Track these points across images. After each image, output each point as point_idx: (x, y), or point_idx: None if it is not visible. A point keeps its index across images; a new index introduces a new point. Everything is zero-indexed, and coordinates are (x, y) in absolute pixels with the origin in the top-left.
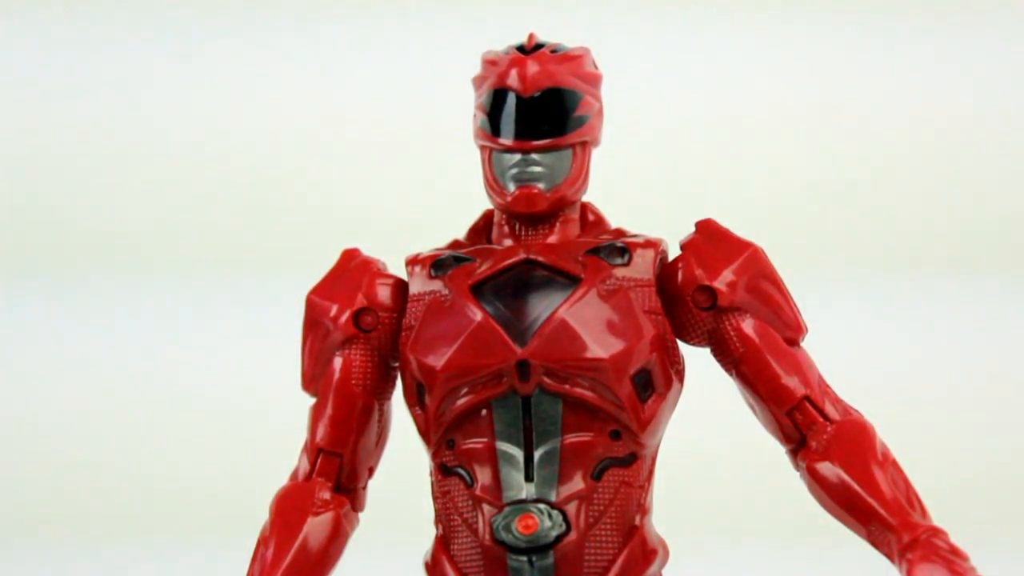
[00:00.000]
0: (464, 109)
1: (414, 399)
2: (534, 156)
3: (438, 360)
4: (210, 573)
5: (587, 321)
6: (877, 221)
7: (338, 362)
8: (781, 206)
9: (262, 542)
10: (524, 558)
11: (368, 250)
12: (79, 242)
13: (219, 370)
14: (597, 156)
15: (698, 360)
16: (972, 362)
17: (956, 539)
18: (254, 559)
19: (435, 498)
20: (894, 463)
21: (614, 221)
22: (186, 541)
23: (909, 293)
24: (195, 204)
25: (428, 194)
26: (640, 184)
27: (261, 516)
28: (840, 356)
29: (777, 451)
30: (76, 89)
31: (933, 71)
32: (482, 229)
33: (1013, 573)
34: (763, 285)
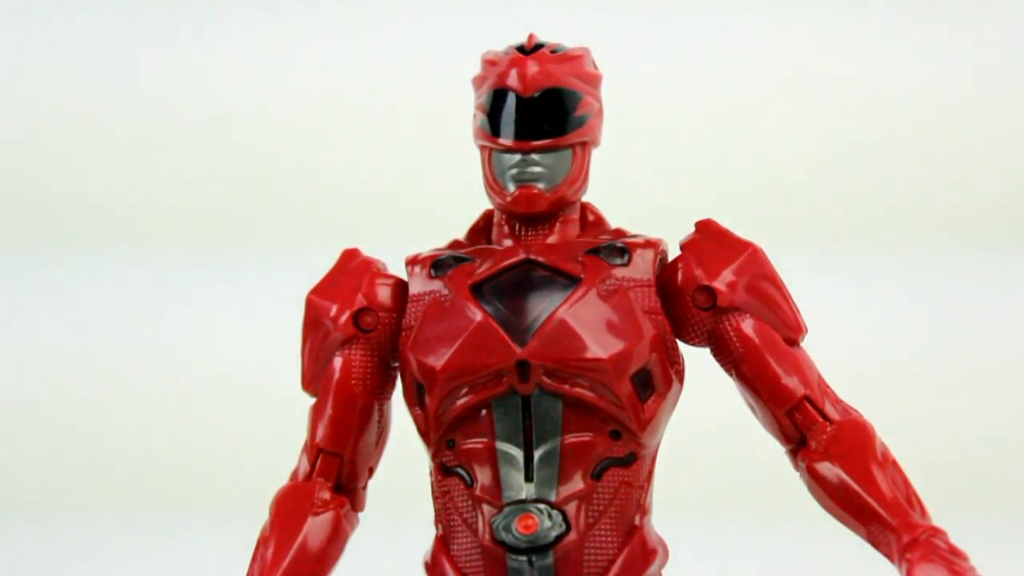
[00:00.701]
0: (465, 108)
1: (414, 399)
2: (534, 156)
3: (438, 360)
4: (210, 548)
5: (587, 321)
6: (876, 195)
7: (338, 362)
8: (778, 180)
9: (262, 542)
10: (524, 558)
11: (368, 250)
12: (77, 216)
13: (217, 345)
14: (597, 156)
15: (698, 360)
16: (973, 335)
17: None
18: (254, 559)
19: (435, 498)
20: (894, 463)
21: (614, 221)
22: (183, 516)
23: (908, 266)
24: (195, 179)
25: (428, 194)
26: (638, 168)
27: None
28: (842, 332)
29: (777, 451)
30: (78, 63)
31: (930, 45)
32: (482, 229)
33: (1017, 549)
34: (763, 285)
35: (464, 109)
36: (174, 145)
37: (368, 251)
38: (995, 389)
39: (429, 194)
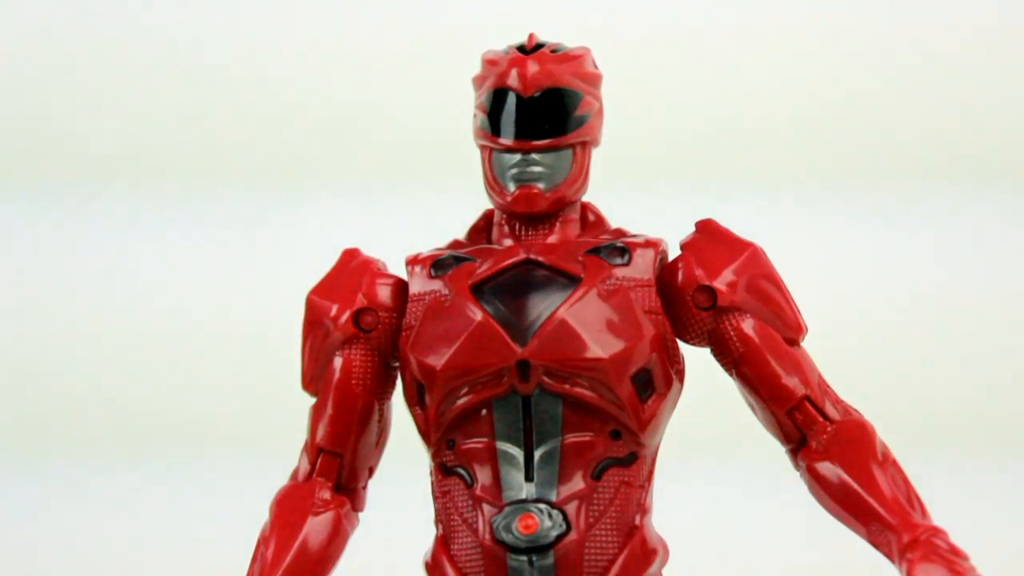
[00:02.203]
0: (465, 108)
1: (414, 399)
2: (534, 156)
3: (438, 360)
4: (212, 489)
5: (587, 321)
6: (871, 132)
7: (338, 362)
8: (774, 117)
9: (262, 542)
10: (524, 558)
11: (368, 250)
12: (76, 155)
13: (216, 287)
14: (597, 155)
15: (698, 360)
16: (964, 275)
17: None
18: (254, 559)
19: (435, 498)
20: (894, 463)
21: (614, 221)
22: (182, 458)
23: (899, 205)
24: (201, 120)
25: (428, 193)
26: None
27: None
28: (833, 269)
29: (776, 451)
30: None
31: None
32: (482, 229)
33: (1010, 492)
34: (763, 285)
35: (465, 108)
36: (177, 85)
37: (368, 251)
38: (983, 328)
39: (429, 193)
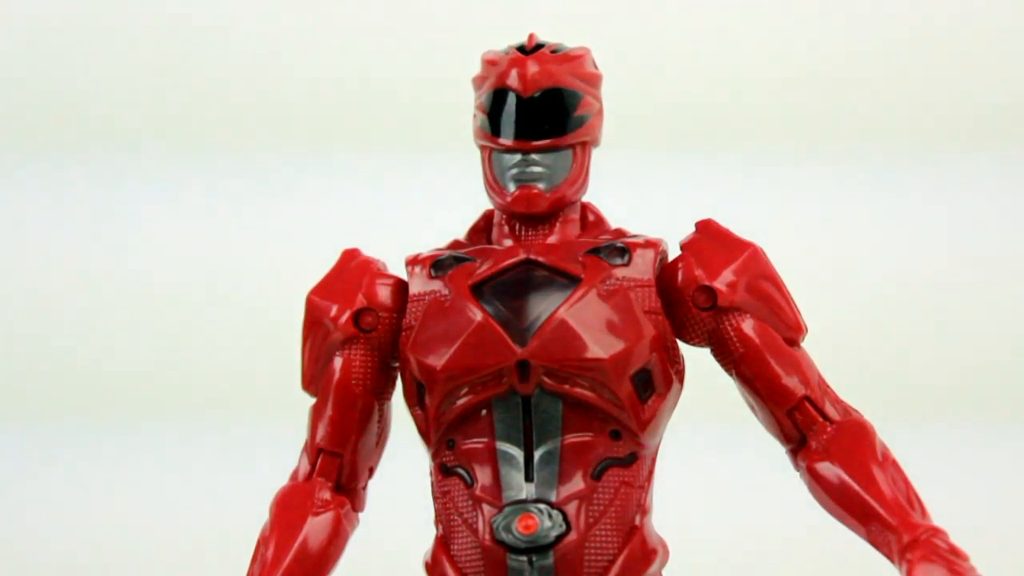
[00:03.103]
0: (465, 108)
1: (414, 399)
2: (534, 156)
3: (438, 360)
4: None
5: (587, 321)
6: (868, 99)
7: (338, 362)
8: (775, 79)
9: (262, 542)
10: (524, 558)
11: (368, 250)
12: (75, 116)
13: (216, 253)
14: (597, 155)
15: (698, 360)
16: (966, 243)
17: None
18: (254, 559)
19: (435, 498)
20: (894, 463)
21: (614, 221)
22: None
23: (899, 172)
24: (207, 82)
25: (428, 194)
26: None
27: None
28: (832, 238)
29: (777, 451)
30: None
31: None
32: (482, 229)
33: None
34: (763, 285)
35: (465, 108)
36: (182, 47)
37: (368, 251)
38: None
39: (429, 193)
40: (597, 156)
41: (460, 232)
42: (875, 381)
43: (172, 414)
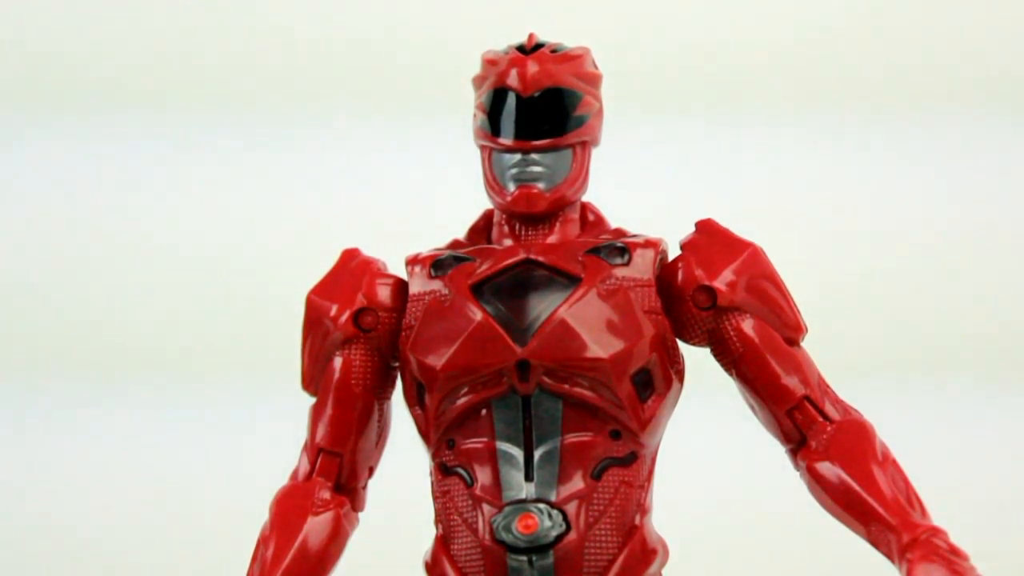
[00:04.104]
0: (465, 108)
1: (414, 399)
2: (534, 156)
3: (438, 360)
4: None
5: (587, 321)
6: (875, 58)
7: (338, 362)
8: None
9: (262, 542)
10: (524, 558)
11: (368, 250)
12: (80, 78)
13: (216, 214)
14: (597, 156)
15: (698, 360)
16: (971, 200)
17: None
18: (254, 559)
19: (435, 498)
20: (894, 463)
21: (614, 221)
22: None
23: (901, 132)
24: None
25: (428, 194)
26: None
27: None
28: (836, 197)
29: (777, 451)
30: None
31: None
32: (482, 229)
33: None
34: (763, 285)
35: (465, 108)
36: (197, 13)
37: (368, 251)
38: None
39: (429, 194)
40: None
41: (460, 229)
42: (879, 341)
43: (171, 378)
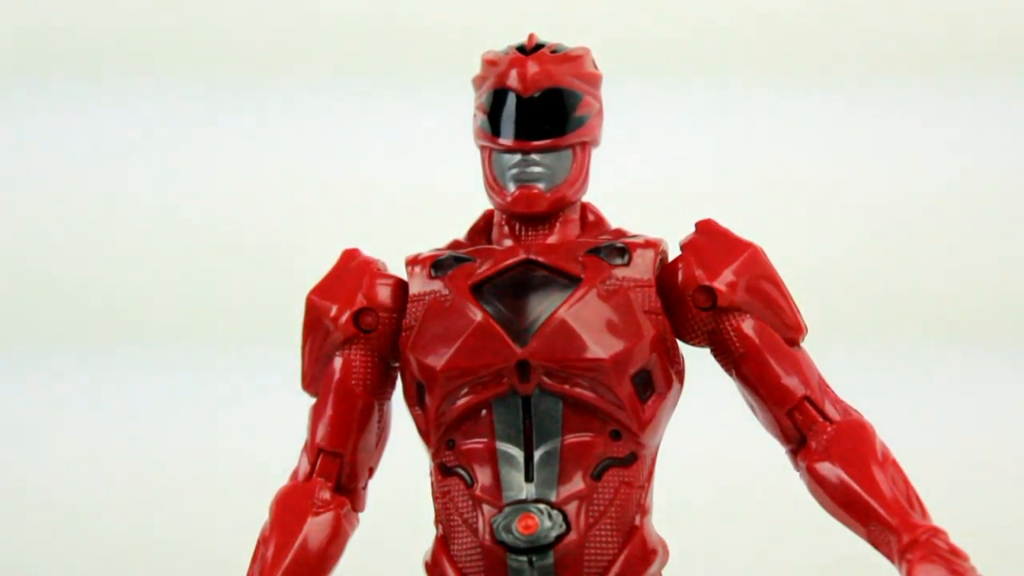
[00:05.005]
0: (465, 110)
1: (414, 399)
2: (534, 156)
3: (438, 360)
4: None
5: (587, 321)
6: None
7: (338, 362)
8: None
9: (262, 542)
10: (524, 558)
11: (368, 250)
12: (83, 39)
13: (205, 179)
14: (597, 156)
15: (698, 360)
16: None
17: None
18: (254, 559)
19: (435, 498)
20: (894, 463)
21: (614, 221)
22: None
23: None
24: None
25: (428, 194)
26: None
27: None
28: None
29: (777, 451)
30: None
31: None
32: (482, 229)
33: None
34: (763, 285)
35: (465, 110)
36: None
37: (368, 251)
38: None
39: (429, 194)
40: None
41: (461, 223)
42: (883, 302)
43: (167, 343)
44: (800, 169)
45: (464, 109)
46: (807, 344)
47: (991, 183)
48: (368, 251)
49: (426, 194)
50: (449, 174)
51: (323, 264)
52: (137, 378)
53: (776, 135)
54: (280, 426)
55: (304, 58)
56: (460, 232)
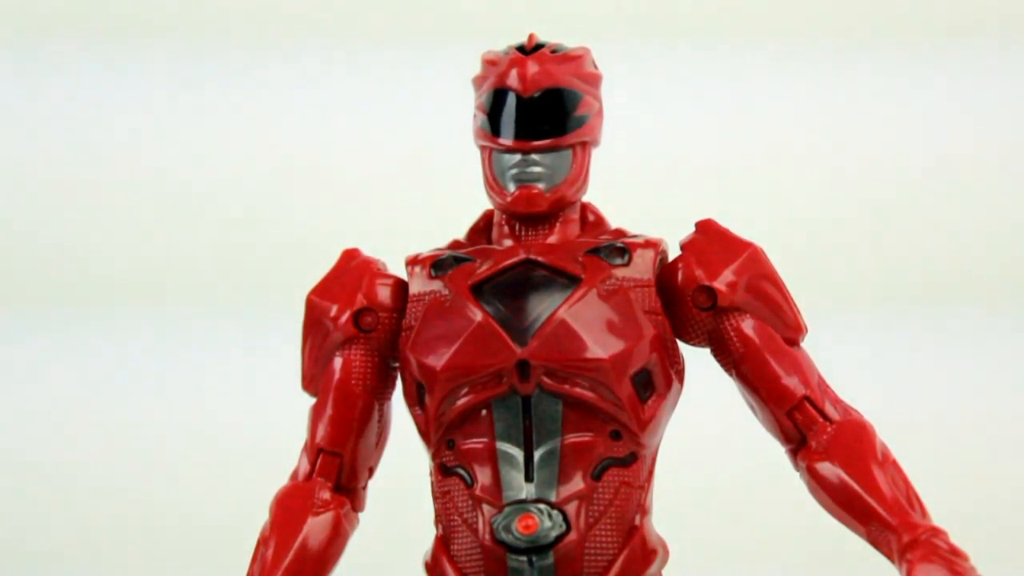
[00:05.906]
0: (464, 109)
1: (414, 399)
2: (534, 156)
3: (438, 360)
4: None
5: (587, 321)
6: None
7: (338, 362)
8: None
9: (262, 542)
10: (524, 558)
11: (368, 250)
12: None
13: (206, 144)
14: (597, 156)
15: (698, 360)
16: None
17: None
18: (254, 559)
19: (435, 498)
20: (894, 463)
21: (614, 221)
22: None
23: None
24: None
25: (428, 195)
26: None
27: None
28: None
29: (777, 451)
30: None
31: None
32: (482, 229)
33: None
34: (763, 285)
35: (464, 109)
36: None
37: (368, 251)
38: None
39: (428, 194)
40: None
41: (460, 232)
42: (875, 267)
43: (167, 306)
44: (792, 138)
45: (465, 109)
46: (807, 343)
47: (983, 148)
48: (368, 251)
49: (426, 194)
50: (449, 174)
51: (323, 263)
52: (138, 351)
53: (768, 104)
54: (281, 397)
55: (311, 45)
56: (460, 232)
